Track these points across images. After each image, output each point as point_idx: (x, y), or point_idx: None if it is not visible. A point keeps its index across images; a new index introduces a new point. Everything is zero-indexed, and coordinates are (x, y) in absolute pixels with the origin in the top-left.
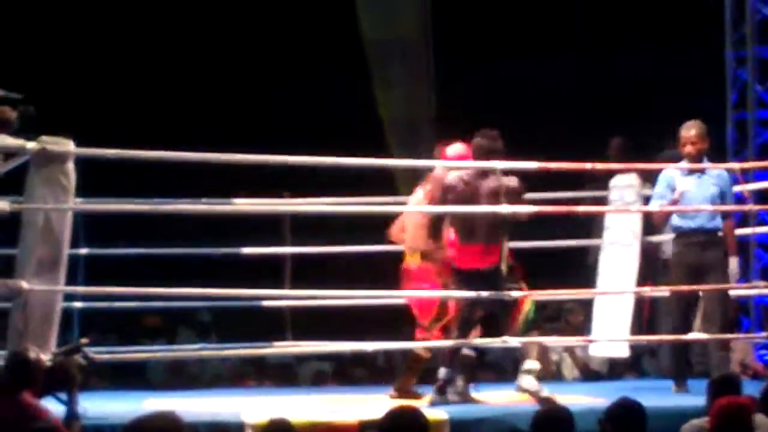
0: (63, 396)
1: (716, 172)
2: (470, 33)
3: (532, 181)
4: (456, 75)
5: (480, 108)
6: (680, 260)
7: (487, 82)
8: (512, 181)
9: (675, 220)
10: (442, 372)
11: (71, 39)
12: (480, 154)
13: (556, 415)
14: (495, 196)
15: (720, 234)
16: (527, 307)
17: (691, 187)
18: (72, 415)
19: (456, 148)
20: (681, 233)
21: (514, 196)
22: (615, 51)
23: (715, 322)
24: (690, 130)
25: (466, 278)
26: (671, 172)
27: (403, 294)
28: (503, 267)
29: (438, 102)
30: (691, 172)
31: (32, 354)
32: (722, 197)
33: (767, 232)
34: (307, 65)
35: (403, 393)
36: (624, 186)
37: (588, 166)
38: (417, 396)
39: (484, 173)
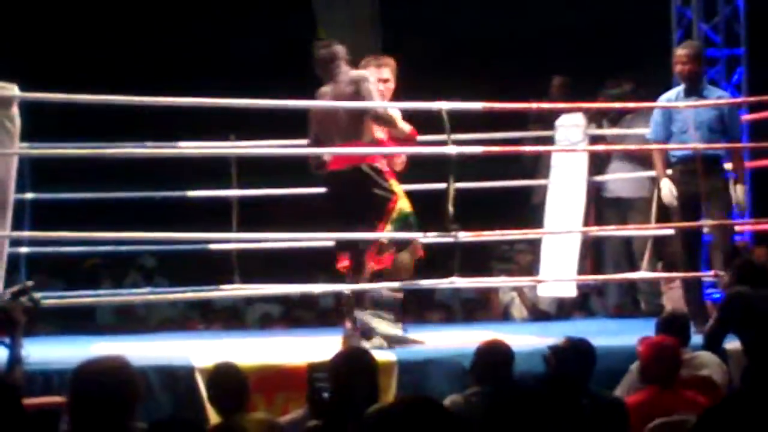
0: (6, 340)
1: (717, 93)
2: None
3: (477, 122)
4: (403, 22)
5: (426, 55)
6: (678, 190)
7: (433, 28)
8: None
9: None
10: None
11: None
12: (319, 65)
13: (496, 348)
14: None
15: (721, 162)
16: (399, 207)
17: (687, 111)
18: (15, 360)
19: None
20: (678, 161)
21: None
22: None
23: (719, 255)
24: (684, 48)
25: (331, 183)
26: (667, 97)
27: (351, 237)
28: (368, 169)
29: (383, 49)
30: (688, 95)
31: None
32: (721, 120)
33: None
34: (256, 5)
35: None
36: (570, 125)
37: (533, 106)
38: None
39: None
